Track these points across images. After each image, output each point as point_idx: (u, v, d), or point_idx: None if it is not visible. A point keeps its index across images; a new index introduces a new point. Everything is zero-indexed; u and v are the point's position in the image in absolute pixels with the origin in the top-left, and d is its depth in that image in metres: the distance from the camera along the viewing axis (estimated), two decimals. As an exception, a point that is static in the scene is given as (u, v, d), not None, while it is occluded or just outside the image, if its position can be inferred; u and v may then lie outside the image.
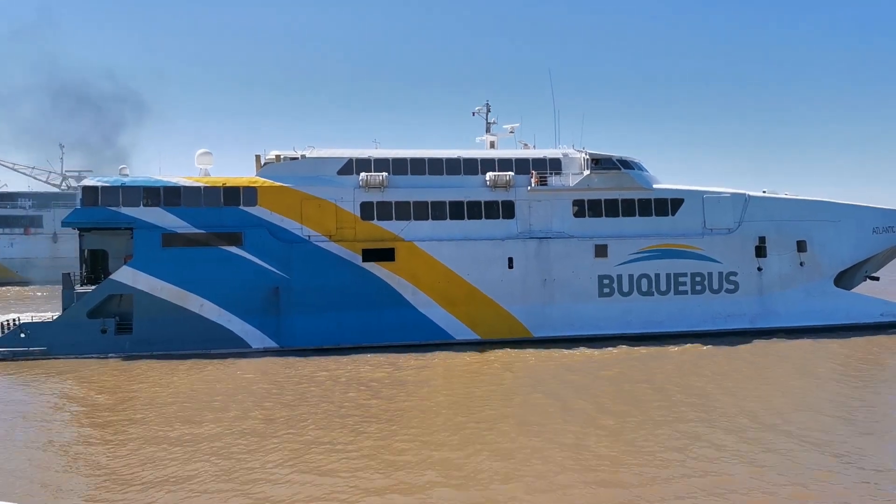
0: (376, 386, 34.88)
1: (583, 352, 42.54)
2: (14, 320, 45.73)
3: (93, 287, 44.20)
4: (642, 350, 42.70)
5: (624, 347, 43.42)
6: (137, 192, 44.34)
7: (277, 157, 47.30)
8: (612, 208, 47.89)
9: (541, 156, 48.87)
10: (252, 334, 43.68)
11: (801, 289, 49.05)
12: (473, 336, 45.54)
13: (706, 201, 48.61)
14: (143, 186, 44.58)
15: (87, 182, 45.41)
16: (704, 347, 43.29)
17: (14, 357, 41.46)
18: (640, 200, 48.14)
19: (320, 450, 25.17)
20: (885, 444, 25.33)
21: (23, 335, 42.19)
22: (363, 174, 46.02)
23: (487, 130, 53.91)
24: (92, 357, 41.52)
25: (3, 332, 43.48)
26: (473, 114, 54.65)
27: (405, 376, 37.02)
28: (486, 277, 46.07)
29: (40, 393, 34.72)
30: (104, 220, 44.28)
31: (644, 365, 38.96)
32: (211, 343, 42.87)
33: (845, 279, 51.27)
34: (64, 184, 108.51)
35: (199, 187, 44.95)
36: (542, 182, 47.56)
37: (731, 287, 48.31)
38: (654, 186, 48.75)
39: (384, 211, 45.93)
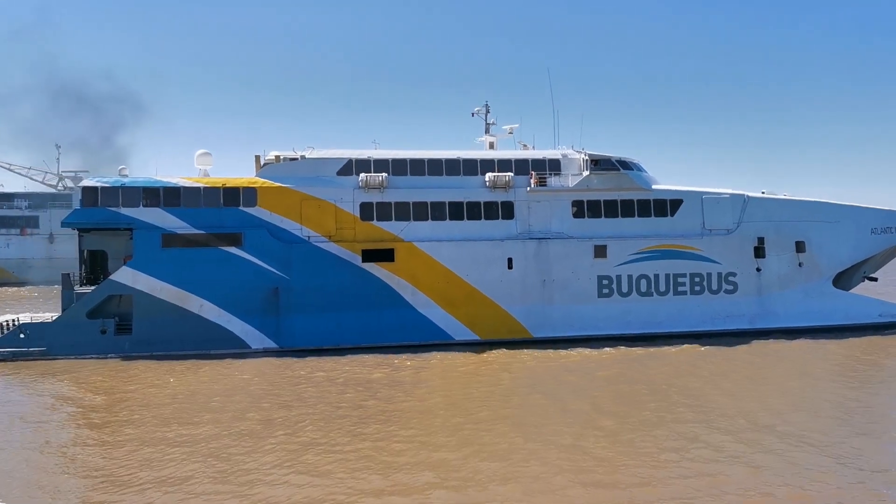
0: (374, 387, 34.92)
1: (581, 352, 42.58)
2: (14, 321, 45.74)
3: (92, 287, 44.24)
4: (641, 351, 42.74)
5: (623, 348, 43.46)
6: (137, 192, 44.40)
7: (277, 157, 47.39)
8: (611, 209, 47.94)
9: (540, 156, 48.92)
10: (252, 335, 43.74)
11: (800, 289, 49.11)
12: (473, 337, 45.59)
13: (705, 202, 48.66)
14: (142, 187, 44.62)
15: (87, 182, 45.45)
16: (703, 348, 43.34)
17: (14, 357, 41.51)
18: (639, 201, 48.18)
19: (318, 451, 25.20)
20: (882, 445, 25.38)
21: (22, 335, 42.24)
22: (363, 175, 46.08)
23: (487, 131, 53.97)
24: (91, 358, 41.57)
25: (2, 333, 43.49)
26: (473, 114, 54.75)
27: (403, 377, 37.07)
28: (486, 278, 46.11)
29: (39, 393, 34.75)
30: (104, 221, 44.32)
31: (642, 365, 39.00)
32: (210, 343, 42.93)
33: (844, 280, 51.34)
34: (60, 184, 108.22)
35: (198, 188, 45.00)
36: (542, 183, 47.60)
37: (730, 288, 48.36)
38: (654, 187, 48.81)
39: (384, 211, 45.99)
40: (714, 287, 48.17)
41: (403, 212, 46.13)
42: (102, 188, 44.45)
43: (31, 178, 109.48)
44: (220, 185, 45.22)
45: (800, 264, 49.17)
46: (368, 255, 45.21)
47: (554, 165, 48.50)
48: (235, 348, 43.18)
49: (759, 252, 48.80)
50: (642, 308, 47.27)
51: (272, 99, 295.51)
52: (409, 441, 26.29)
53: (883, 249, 51.19)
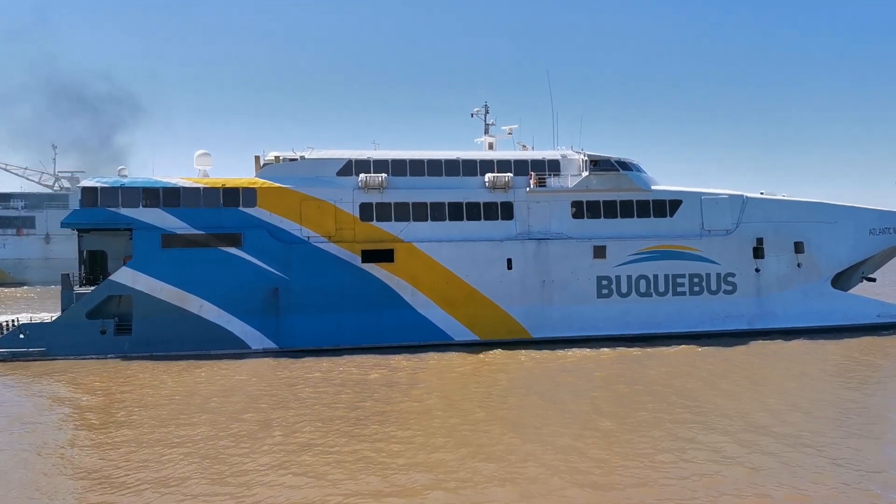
0: (372, 387, 34.93)
1: (580, 353, 42.62)
2: (13, 321, 45.74)
3: (92, 288, 44.25)
4: (640, 351, 42.79)
5: (622, 348, 43.51)
6: (137, 192, 44.41)
7: (276, 158, 47.42)
8: (610, 209, 48.00)
9: (539, 157, 48.98)
10: (251, 335, 43.76)
11: (799, 290, 49.21)
12: (472, 337, 45.64)
13: (704, 203, 48.74)
14: (142, 187, 44.64)
15: (87, 183, 45.44)
16: (702, 348, 43.40)
17: (13, 358, 41.54)
18: (638, 202, 48.25)
19: (315, 452, 25.21)
20: (879, 446, 25.42)
21: (22, 336, 42.25)
22: (362, 175, 46.12)
23: (486, 132, 54.05)
24: (91, 358, 41.62)
25: (2, 333, 43.51)
26: (472, 115, 54.80)
27: (401, 378, 37.08)
28: (485, 278, 46.16)
29: (37, 394, 34.75)
30: (103, 221, 44.34)
31: (641, 366, 39.04)
32: (210, 344, 42.97)
33: (842, 280, 51.47)
34: (57, 185, 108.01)
35: (198, 188, 45.02)
36: (541, 183, 47.66)
37: (729, 288, 48.45)
38: (653, 188, 48.88)
39: (383, 212, 46.03)
40: (713, 288, 48.26)
41: (403, 212, 46.17)
42: (102, 188, 44.45)
43: (28, 179, 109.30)
44: (220, 186, 45.23)
45: (798, 265, 49.28)
46: (368, 256, 45.25)
47: (553, 166, 48.56)
48: (235, 349, 43.21)
49: (758, 253, 48.90)
50: (641, 308, 47.34)
51: (272, 99, 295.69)
52: (406, 442, 26.30)
53: (881, 250, 51.32)
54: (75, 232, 46.48)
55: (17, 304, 68.81)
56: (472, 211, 46.87)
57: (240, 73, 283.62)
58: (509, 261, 46.56)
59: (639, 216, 48.18)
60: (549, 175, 48.01)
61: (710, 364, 39.50)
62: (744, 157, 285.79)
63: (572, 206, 47.75)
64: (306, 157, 46.97)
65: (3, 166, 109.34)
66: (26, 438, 27.51)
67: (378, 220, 45.88)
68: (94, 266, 46.64)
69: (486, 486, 21.98)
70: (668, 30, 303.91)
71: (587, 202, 47.93)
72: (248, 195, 45.12)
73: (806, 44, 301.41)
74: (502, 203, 47.14)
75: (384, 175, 46.22)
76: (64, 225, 46.40)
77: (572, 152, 49.51)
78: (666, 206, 48.53)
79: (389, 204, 46.11)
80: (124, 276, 43.29)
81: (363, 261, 45.18)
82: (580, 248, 47.20)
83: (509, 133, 53.54)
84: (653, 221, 48.22)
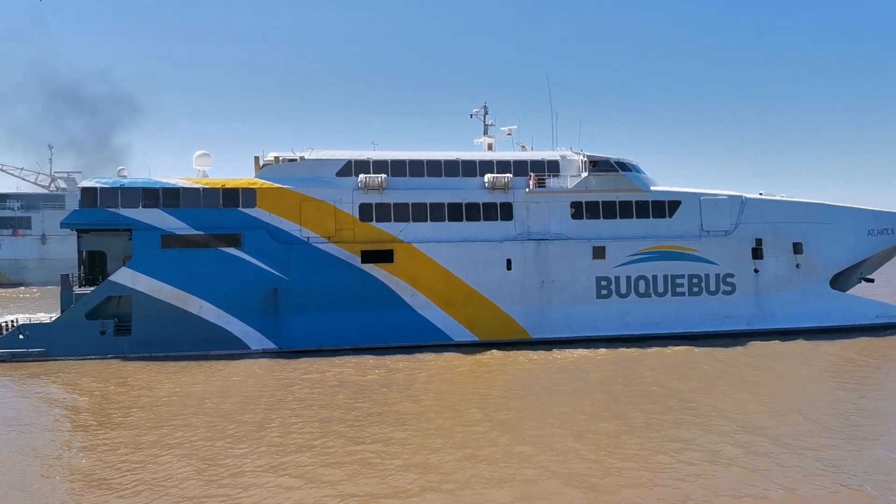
0: (370, 388, 34.89)
1: (578, 353, 42.66)
2: (12, 322, 45.62)
3: (91, 288, 44.16)
4: (638, 352, 42.83)
5: (621, 349, 43.56)
6: (136, 193, 44.35)
7: (276, 158, 47.38)
8: (609, 210, 48.09)
9: (539, 158, 49.05)
10: (251, 335, 43.72)
11: (798, 290, 49.35)
12: (472, 337, 45.66)
13: (703, 203, 48.85)
14: (141, 188, 44.57)
15: (86, 183, 45.35)
16: (700, 349, 43.46)
17: (12, 358, 41.43)
18: (637, 202, 48.35)
19: (312, 454, 25.16)
20: (876, 448, 25.46)
21: (21, 336, 42.16)
22: (362, 176, 46.12)
23: (485, 132, 54.12)
24: (91, 358, 41.53)
25: (1, 334, 43.39)
26: (471, 116, 54.89)
27: (399, 379, 37.01)
28: (485, 279, 46.19)
29: (33, 395, 34.57)
30: (103, 222, 44.25)
31: (639, 367, 39.11)
32: (210, 344, 42.93)
33: (841, 281, 51.62)
34: (53, 185, 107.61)
35: (197, 189, 44.97)
36: (541, 184, 47.72)
37: (728, 289, 48.56)
38: (652, 188, 48.97)
39: (383, 212, 46.03)
40: (712, 288, 48.37)
41: (402, 213, 46.18)
42: (102, 189, 44.38)
43: (24, 179, 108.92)
44: (220, 186, 45.20)
45: (797, 265, 49.43)
46: (367, 256, 45.25)
47: (552, 167, 48.64)
48: (235, 349, 43.17)
49: (757, 253, 49.03)
50: (640, 309, 47.43)
51: (271, 100, 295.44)
52: (403, 444, 26.26)
53: (879, 251, 51.45)
54: (74, 232, 46.36)
55: (15, 305, 68.58)
56: (472, 211, 46.91)
57: (239, 74, 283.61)
58: (509, 261, 46.60)
59: (638, 217, 48.27)
60: (549, 176, 48.08)
61: (707, 365, 39.58)
62: (742, 157, 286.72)
63: (571, 207, 47.82)
64: (306, 157, 46.96)
65: (0, 167, 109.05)
66: (22, 440, 27.37)
67: (377, 220, 45.88)
68: (94, 266, 46.54)
69: (484, 488, 21.99)
70: (667, 31, 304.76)
71: (586, 203, 48.00)
72: (247, 196, 45.08)
73: (805, 45, 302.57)
74: (502, 204, 47.19)
75: (384, 176, 46.24)
76: (63, 225, 46.23)
77: (571, 153, 49.59)
78: (665, 207, 48.64)
79: (389, 204, 46.12)
80: (124, 276, 43.23)
81: (363, 261, 45.18)
82: (579, 248, 47.27)
83: (508, 134, 53.62)
84: (652, 222, 48.32)
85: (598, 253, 47.36)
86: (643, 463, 24.01)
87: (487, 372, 38.86)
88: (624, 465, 23.87)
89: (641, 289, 47.68)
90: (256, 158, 48.00)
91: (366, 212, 45.87)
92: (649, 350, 43.21)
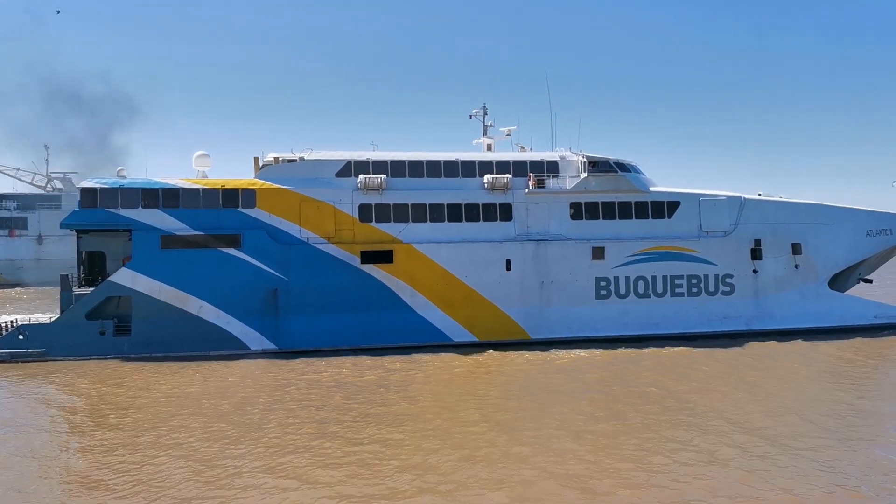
0: (367, 389, 34.90)
1: (577, 354, 42.68)
2: (12, 322, 45.69)
3: (91, 289, 44.22)
4: (637, 352, 42.86)
5: (620, 349, 43.61)
6: (136, 193, 44.41)
7: (276, 159, 47.43)
8: (608, 211, 48.13)
9: (538, 158, 49.10)
10: (251, 336, 43.78)
11: (796, 291, 49.40)
12: (471, 338, 45.71)
13: (702, 204, 48.91)
14: (141, 188, 44.63)
15: (86, 183, 45.41)
16: (699, 350, 43.48)
17: (12, 359, 41.49)
18: (636, 203, 48.39)
19: (308, 455, 25.17)
20: (873, 449, 25.49)
21: (21, 337, 42.22)
22: (361, 176, 46.18)
23: (484, 133, 54.17)
24: (90, 359, 41.59)
25: (1, 334, 43.44)
26: (471, 116, 54.96)
27: (397, 379, 37.01)
28: (484, 279, 46.24)
29: (31, 396, 34.53)
30: (102, 222, 44.31)
31: (638, 367, 39.14)
32: (209, 345, 42.99)
33: (839, 281, 51.65)
34: (49, 185, 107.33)
35: (197, 189, 45.04)
36: (540, 185, 47.78)
37: (727, 289, 48.61)
38: (651, 189, 49.02)
39: (382, 213, 46.08)
40: (711, 289, 48.42)
41: (402, 213, 46.24)
42: (101, 189, 44.44)
43: (20, 179, 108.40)
44: (219, 187, 45.26)
45: (796, 266, 49.48)
46: (367, 257, 45.30)
47: (552, 167, 48.68)
48: (234, 350, 43.23)
49: (756, 254, 49.08)
50: (640, 309, 47.48)
51: (271, 100, 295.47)
52: (400, 445, 26.28)
53: (878, 251, 51.51)
54: (74, 233, 46.43)
55: (11, 306, 68.55)
56: (471, 212, 46.97)
57: (239, 74, 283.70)
58: (508, 262, 46.65)
59: (637, 217, 48.32)
60: (548, 176, 48.13)
61: (706, 366, 39.61)
62: (742, 158, 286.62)
63: (571, 208, 47.87)
64: (305, 158, 47.03)
65: None
66: (19, 440, 27.36)
67: (377, 221, 45.94)
68: (93, 267, 46.63)
69: (481, 490, 22.02)
70: (667, 31, 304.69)
71: (586, 203, 48.05)
72: (247, 196, 45.14)
73: (805, 45, 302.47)
74: (501, 204, 47.25)
75: (383, 176, 46.30)
76: (63, 226, 46.22)
77: (571, 154, 49.64)
78: (664, 208, 48.69)
79: (388, 205, 46.18)
80: (123, 277, 43.29)
81: (362, 262, 45.23)
82: (579, 249, 47.33)
83: (508, 134, 53.69)
84: (651, 223, 48.38)
85: (598, 253, 47.42)
86: (640, 464, 24.05)
87: (485, 372, 38.90)
88: (621, 465, 23.91)
89: (641, 289, 47.73)
90: (256, 159, 48.06)
91: (365, 212, 45.94)
92: (648, 350, 43.25)
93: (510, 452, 25.25)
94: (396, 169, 47.11)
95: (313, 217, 45.37)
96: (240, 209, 44.94)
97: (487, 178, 47.21)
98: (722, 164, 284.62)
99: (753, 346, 44.50)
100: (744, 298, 48.68)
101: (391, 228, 45.97)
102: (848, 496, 21.32)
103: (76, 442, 27.46)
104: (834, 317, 49.13)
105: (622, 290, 47.57)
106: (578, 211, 47.92)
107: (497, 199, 47.22)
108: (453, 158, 48.08)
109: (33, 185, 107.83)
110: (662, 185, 50.15)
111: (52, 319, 44.37)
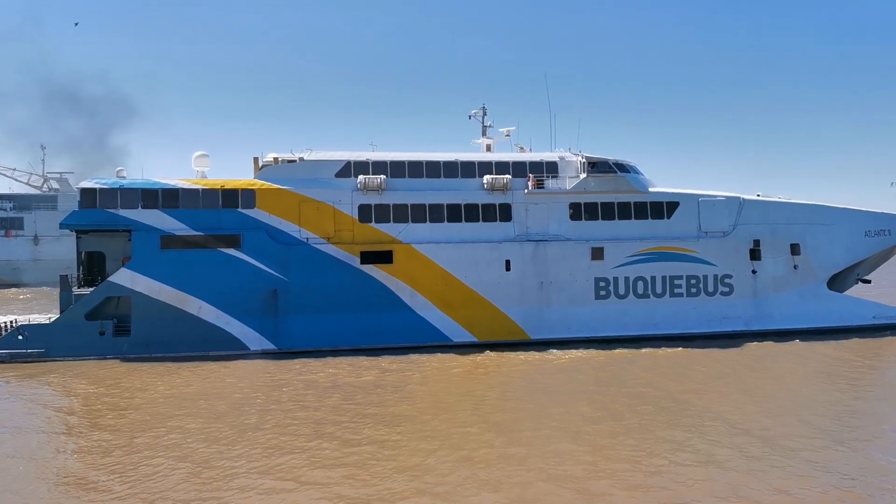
0: (365, 390, 34.91)
1: (576, 354, 42.71)
2: (11, 322, 45.74)
3: (90, 289, 44.27)
4: (635, 353, 42.90)
5: (618, 350, 43.63)
6: (135, 194, 44.46)
7: (275, 159, 47.46)
8: (608, 211, 48.16)
9: (538, 159, 49.13)
10: (250, 336, 43.83)
11: (795, 291, 49.45)
12: (471, 338, 45.76)
13: (701, 204, 48.93)
14: (140, 189, 44.67)
15: (86, 184, 45.44)
16: (697, 350, 43.53)
17: (11, 359, 41.54)
18: (635, 203, 48.43)
19: (305, 456, 25.16)
20: (870, 450, 25.52)
21: (20, 337, 42.28)
22: (361, 177, 46.22)
23: (484, 133, 54.21)
24: (90, 359, 41.64)
25: (0, 334, 43.48)
26: (470, 117, 55.01)
27: (395, 380, 37.00)
28: (484, 280, 46.28)
29: (29, 397, 34.53)
30: (102, 222, 44.35)
31: (636, 368, 39.17)
32: (209, 345, 43.05)
33: (838, 282, 51.71)
34: (45, 185, 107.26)
35: (197, 189, 45.09)
36: (539, 185, 47.81)
37: (726, 290, 48.64)
38: (650, 190, 49.05)
39: (382, 213, 46.13)
40: (710, 289, 48.46)
41: (402, 214, 46.28)
42: (101, 190, 44.49)
43: (16, 180, 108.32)
44: (219, 187, 45.31)
45: (795, 266, 49.51)
46: (367, 257, 45.34)
47: (551, 168, 48.72)
48: (234, 350, 43.28)
49: (755, 254, 49.12)
50: (639, 310, 47.52)
51: (271, 100, 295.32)
52: (398, 446, 26.29)
53: (876, 252, 51.59)
54: (74, 233, 46.46)
55: (8, 306, 68.51)
56: (471, 212, 47.01)
57: (239, 74, 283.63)
58: (507, 262, 46.69)
59: (636, 218, 48.36)
60: (547, 177, 48.18)
61: (704, 366, 39.64)
62: (742, 158, 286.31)
63: (570, 208, 47.91)
64: (305, 158, 47.07)
65: None
66: (16, 441, 27.36)
67: (377, 221, 45.99)
68: (93, 267, 46.67)
69: (479, 491, 22.04)
70: (667, 31, 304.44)
71: (585, 204, 48.08)
72: (246, 196, 45.19)
73: (805, 45, 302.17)
74: (500, 205, 47.29)
75: (383, 177, 46.35)
76: (63, 226, 46.24)
77: (570, 154, 49.68)
78: (663, 208, 48.73)
79: (388, 205, 46.23)
80: (123, 277, 43.35)
81: (362, 262, 45.28)
82: (578, 249, 47.36)
83: (507, 135, 53.72)
84: (650, 223, 48.41)
85: (597, 254, 47.46)
86: (638, 464, 24.07)
87: (483, 373, 38.94)
88: (619, 466, 23.93)
89: (640, 290, 47.76)
90: (255, 159, 48.12)
91: (365, 213, 45.98)
92: (647, 351, 43.29)
93: (508, 453, 25.26)
94: (396, 169, 47.15)
95: (313, 217, 45.42)
96: (239, 209, 44.99)
97: (487, 178, 47.25)
98: (721, 164, 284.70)
99: (751, 347, 44.55)
100: (743, 299, 48.71)
101: (391, 229, 46.02)
102: (844, 497, 21.34)
103: (73, 443, 27.48)
104: (833, 317, 49.17)
105: (621, 291, 47.61)
106: (578, 211, 47.96)
107: (496, 199, 47.26)
108: (453, 159, 48.12)
109: (29, 185, 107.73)
110: (662, 185, 50.21)
111: (52, 320, 44.43)
